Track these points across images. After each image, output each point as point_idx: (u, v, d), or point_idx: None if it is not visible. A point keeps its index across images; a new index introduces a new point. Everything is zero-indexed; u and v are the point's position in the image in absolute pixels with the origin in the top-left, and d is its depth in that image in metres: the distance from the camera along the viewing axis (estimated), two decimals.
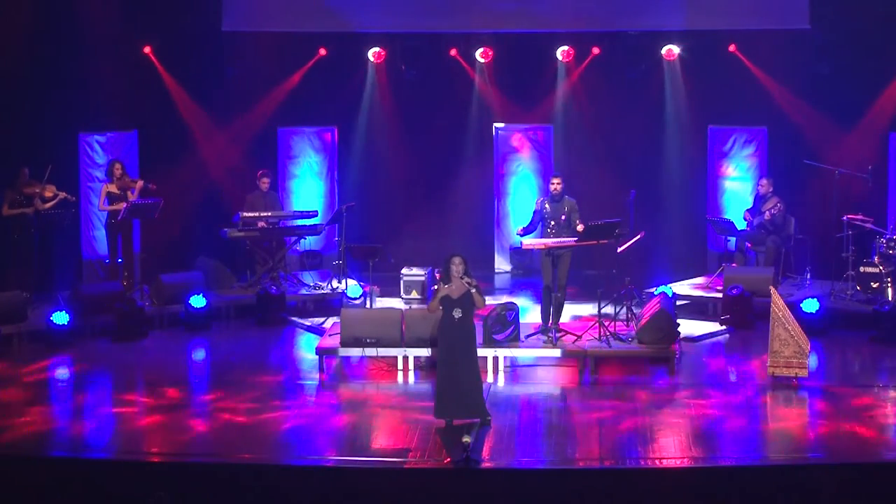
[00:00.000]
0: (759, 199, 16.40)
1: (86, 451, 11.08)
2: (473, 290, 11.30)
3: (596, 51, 17.97)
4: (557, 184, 13.74)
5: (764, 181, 16.39)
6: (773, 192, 16.25)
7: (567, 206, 13.68)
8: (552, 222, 13.63)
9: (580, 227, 13.41)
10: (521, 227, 13.81)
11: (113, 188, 16.01)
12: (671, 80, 17.90)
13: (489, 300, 15.00)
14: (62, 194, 15.77)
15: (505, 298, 15.23)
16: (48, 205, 15.68)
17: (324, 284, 16.29)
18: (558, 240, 13.49)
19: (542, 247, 13.49)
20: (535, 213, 13.82)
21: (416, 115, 18.25)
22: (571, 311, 14.93)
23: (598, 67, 18.04)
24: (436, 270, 11.98)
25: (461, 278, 11.29)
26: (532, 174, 18.36)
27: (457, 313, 11.31)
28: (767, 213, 15.95)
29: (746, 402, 12.25)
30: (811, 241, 16.46)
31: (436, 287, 11.49)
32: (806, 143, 17.04)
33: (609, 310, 13.69)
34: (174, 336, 14.92)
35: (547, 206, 13.72)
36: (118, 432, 11.52)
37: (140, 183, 16.05)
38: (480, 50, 18.12)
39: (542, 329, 13.59)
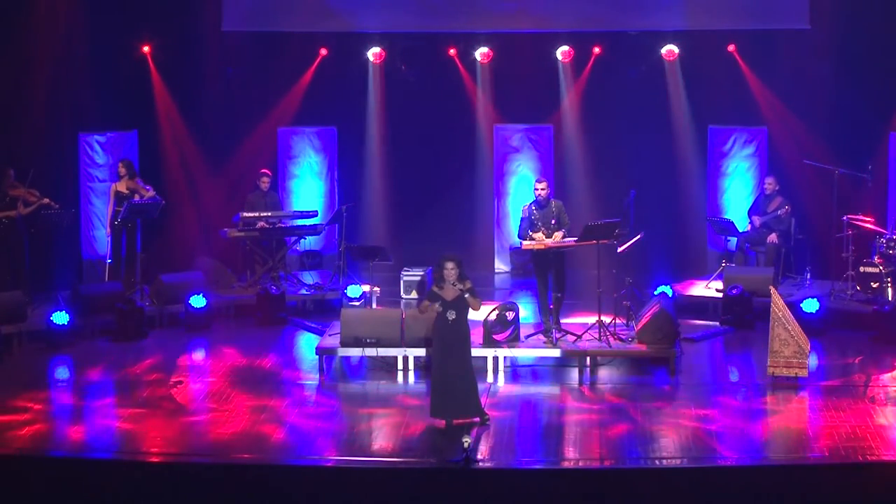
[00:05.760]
0: (762, 199, 16.40)
1: (86, 450, 11.08)
2: (467, 295, 11.28)
3: (596, 51, 17.98)
4: (542, 189, 13.62)
5: (770, 180, 16.37)
6: (778, 192, 16.26)
7: (555, 209, 13.59)
8: (542, 227, 13.52)
9: (559, 235, 13.37)
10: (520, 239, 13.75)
11: (121, 187, 16.02)
12: (671, 80, 17.90)
13: (488, 301, 15.04)
14: (45, 200, 15.65)
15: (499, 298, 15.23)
16: (28, 210, 15.59)
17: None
18: (558, 241, 13.45)
19: (543, 247, 13.47)
20: (523, 220, 13.64)
21: (416, 115, 18.23)
22: (571, 310, 14.93)
23: (599, 67, 18.04)
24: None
25: (453, 284, 11.27)
26: (532, 174, 18.32)
27: (451, 315, 11.30)
28: (781, 211, 15.90)
29: (746, 401, 12.26)
30: (811, 241, 16.47)
31: (434, 288, 11.44)
32: (806, 143, 17.04)
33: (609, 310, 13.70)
34: (174, 336, 14.92)
35: (535, 211, 13.60)
36: (118, 432, 11.51)
37: (151, 192, 16.04)
38: (480, 50, 18.13)
39: (544, 329, 13.57)
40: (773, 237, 16.01)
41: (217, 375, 13.34)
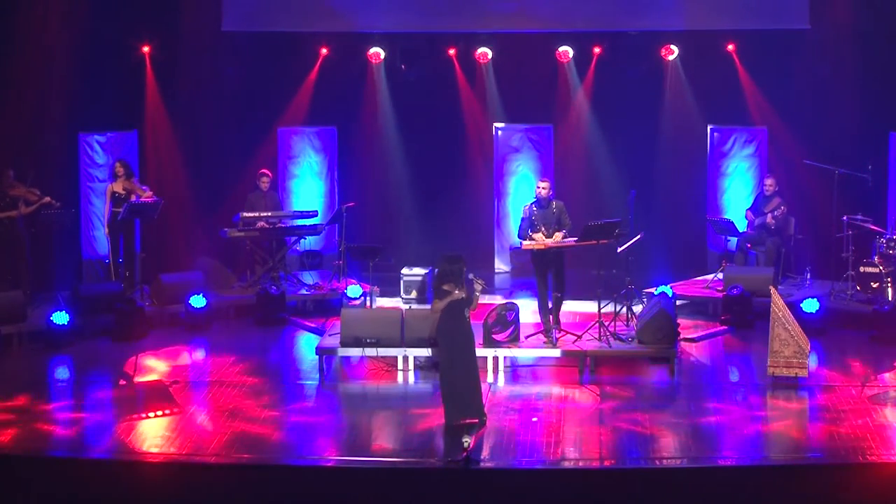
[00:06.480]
0: (761, 199, 16.40)
1: (85, 451, 11.09)
2: (477, 292, 11.39)
3: (596, 51, 17.97)
4: (544, 188, 13.59)
5: (770, 181, 16.37)
6: (776, 192, 16.26)
7: (556, 210, 13.57)
8: (542, 228, 13.49)
9: (560, 235, 13.36)
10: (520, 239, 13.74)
11: (118, 187, 16.02)
12: (671, 80, 17.89)
13: (489, 300, 15.07)
14: (46, 199, 15.66)
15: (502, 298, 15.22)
16: (30, 209, 15.59)
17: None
18: (558, 241, 13.43)
19: (543, 247, 13.46)
20: (523, 220, 13.62)
21: (416, 115, 18.23)
22: (571, 310, 14.93)
23: (599, 67, 18.02)
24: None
25: (478, 281, 11.39)
26: (532, 174, 18.32)
27: (467, 312, 11.38)
28: (770, 215, 15.94)
29: (746, 402, 12.25)
30: (811, 241, 16.46)
31: (447, 288, 11.41)
32: (806, 143, 17.03)
33: (609, 310, 13.69)
34: (174, 336, 14.92)
35: (535, 211, 13.56)
36: (118, 432, 11.51)
37: (149, 193, 16.04)
38: (480, 50, 18.13)
39: (544, 329, 13.56)
40: (774, 238, 15.98)
41: (216, 375, 13.34)
